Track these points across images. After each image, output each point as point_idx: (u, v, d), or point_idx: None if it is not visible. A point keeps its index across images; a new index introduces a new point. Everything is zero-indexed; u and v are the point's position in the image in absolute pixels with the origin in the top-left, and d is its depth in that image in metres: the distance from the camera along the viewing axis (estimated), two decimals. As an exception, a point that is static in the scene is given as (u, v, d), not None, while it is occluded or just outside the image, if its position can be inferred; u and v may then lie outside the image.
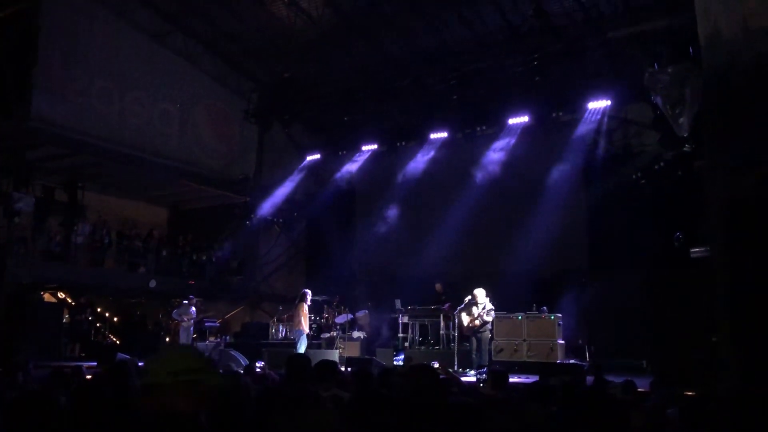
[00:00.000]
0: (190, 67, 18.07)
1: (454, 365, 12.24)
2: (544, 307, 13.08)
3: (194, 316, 15.63)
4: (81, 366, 6.14)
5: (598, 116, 14.97)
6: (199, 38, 17.85)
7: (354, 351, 14.29)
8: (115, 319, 18.92)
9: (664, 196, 13.20)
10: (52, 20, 15.28)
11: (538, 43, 14.34)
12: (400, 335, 14.49)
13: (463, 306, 12.50)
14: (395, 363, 12.78)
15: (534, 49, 14.35)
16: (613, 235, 14.59)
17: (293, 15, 15.73)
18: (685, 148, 11.05)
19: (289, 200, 19.49)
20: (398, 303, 15.01)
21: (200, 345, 15.03)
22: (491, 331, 12.54)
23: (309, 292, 13.65)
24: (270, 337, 16.19)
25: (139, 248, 17.74)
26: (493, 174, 16.48)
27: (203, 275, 18.70)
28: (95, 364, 11.76)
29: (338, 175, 19.42)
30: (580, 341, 13.78)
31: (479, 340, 12.30)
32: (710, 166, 9.23)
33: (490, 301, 12.41)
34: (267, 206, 19.02)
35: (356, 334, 15.36)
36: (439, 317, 13.79)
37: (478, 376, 10.43)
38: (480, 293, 12.37)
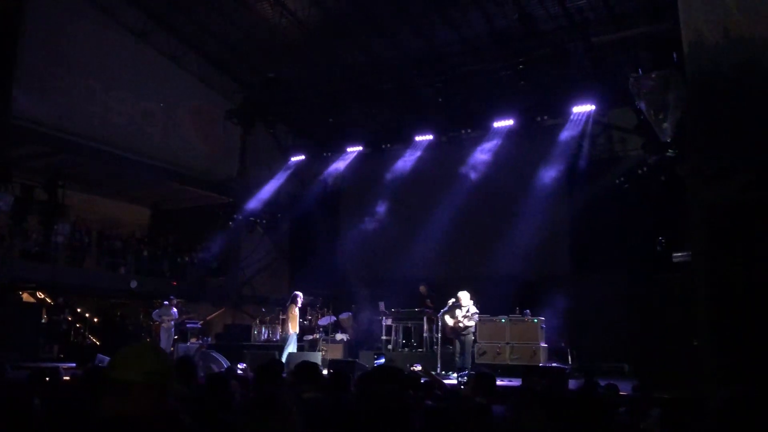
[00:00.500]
0: (174, 67, 17.94)
1: (437, 368, 12.23)
2: (528, 311, 13.11)
3: (175, 317, 15.49)
4: (58, 367, 6.02)
5: (583, 121, 15.05)
6: (184, 37, 17.73)
7: (337, 353, 14.24)
8: (95, 319, 18.71)
9: (647, 201, 13.30)
10: (36, 17, 15.10)
11: (523, 47, 14.41)
12: (384, 337, 14.45)
13: (447, 309, 12.50)
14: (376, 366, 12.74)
15: (519, 53, 14.41)
16: (597, 239, 14.67)
17: (279, 15, 15.66)
18: (668, 153, 11.14)
19: (273, 202, 19.39)
20: (382, 305, 14.97)
21: (181, 346, 14.90)
22: (474, 333, 12.56)
23: (300, 294, 13.89)
24: (252, 339, 16.08)
25: (120, 248, 17.56)
26: (477, 177, 16.55)
27: (185, 276, 18.55)
28: (74, 365, 11.63)
29: (323, 176, 19.37)
30: (563, 345, 13.84)
31: (462, 343, 12.30)
32: (692, 172, 9.29)
33: (474, 304, 12.42)
34: (250, 207, 18.90)
35: (339, 336, 15.30)
36: (423, 320, 13.77)
37: (459, 378, 10.43)
38: (464, 296, 12.38)
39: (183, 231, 19.60)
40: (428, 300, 14.34)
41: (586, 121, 15.05)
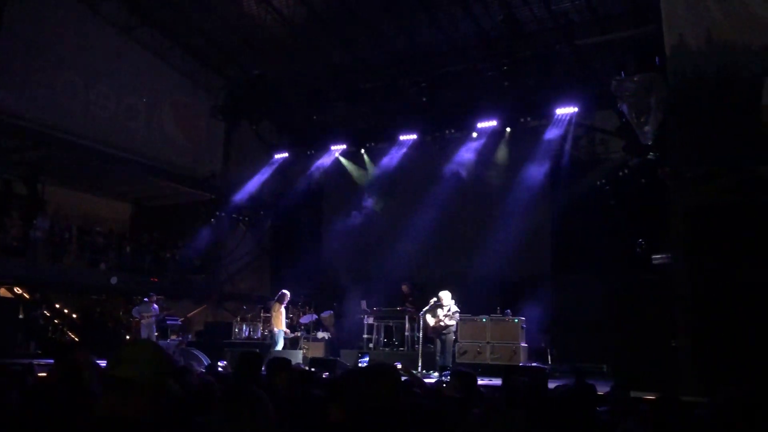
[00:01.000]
0: (158, 62, 17.76)
1: (417, 367, 12.25)
2: (508, 310, 13.18)
3: (156, 313, 15.35)
4: (32, 363, 5.93)
5: (566, 122, 15.13)
6: (168, 32, 17.56)
7: (318, 352, 14.21)
8: (74, 316, 18.51)
9: (628, 203, 13.40)
10: (16, 9, 14.87)
11: (508, 48, 14.47)
12: (365, 336, 14.44)
13: (428, 308, 12.52)
14: (360, 366, 12.74)
15: (504, 55, 14.47)
16: (578, 240, 14.76)
17: (264, 12, 15.59)
18: (649, 156, 11.23)
19: (256, 199, 19.30)
20: (364, 304, 14.97)
21: (162, 343, 14.78)
22: (455, 333, 12.59)
23: (287, 293, 13.95)
24: (233, 336, 16.00)
25: (101, 244, 17.38)
26: (461, 177, 16.62)
27: (166, 273, 18.40)
28: (52, 361, 11.48)
29: (306, 174, 19.32)
30: (543, 345, 13.93)
31: (443, 342, 12.32)
32: (673, 175, 9.41)
33: (455, 304, 12.45)
34: (233, 204, 18.81)
35: (321, 334, 15.27)
36: (405, 318, 13.78)
37: (440, 378, 10.45)
38: (445, 295, 12.40)
39: (165, 227, 19.44)
40: (410, 299, 14.36)
41: (569, 123, 15.13)
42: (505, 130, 16.12)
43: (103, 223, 18.22)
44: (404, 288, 14.83)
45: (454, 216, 16.61)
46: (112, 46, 16.84)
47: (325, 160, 18.82)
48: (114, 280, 16.63)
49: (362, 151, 18.25)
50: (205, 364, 11.24)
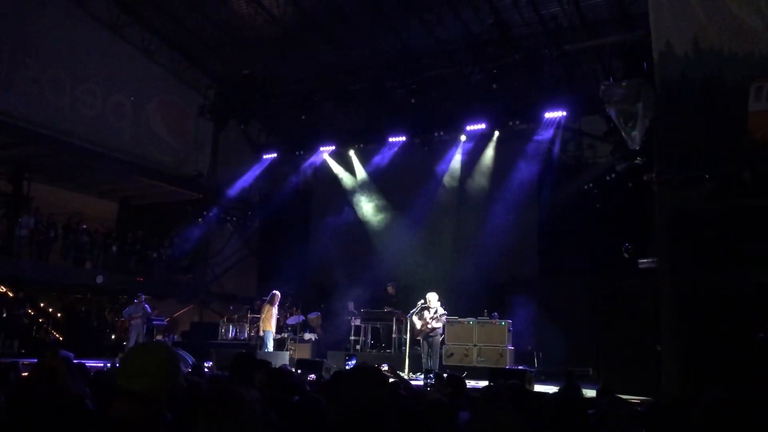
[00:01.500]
0: (146, 60, 17.69)
1: (404, 369, 12.25)
2: (495, 313, 13.22)
3: (149, 312, 15.19)
4: (17, 362, 5.88)
5: (554, 126, 15.19)
6: (157, 31, 17.49)
7: (305, 353, 14.18)
8: (59, 315, 18.35)
9: (615, 207, 13.48)
10: (2, 3, 14.76)
11: (497, 52, 14.49)
12: (352, 338, 14.43)
13: (415, 310, 12.52)
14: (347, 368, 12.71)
15: (493, 58, 14.49)
16: (564, 244, 14.83)
17: (254, 12, 15.56)
18: (636, 161, 11.29)
19: (244, 199, 19.24)
20: (351, 305, 14.94)
21: (147, 344, 14.69)
22: (442, 335, 12.60)
23: (278, 294, 13.98)
24: (219, 337, 15.94)
25: (86, 243, 17.23)
26: (449, 179, 16.66)
27: (152, 272, 18.29)
28: (36, 360, 11.38)
29: (295, 175, 19.27)
30: (529, 348, 13.97)
31: (430, 345, 12.34)
32: (659, 180, 9.47)
33: (442, 306, 12.47)
34: (221, 204, 18.72)
35: (308, 336, 15.24)
36: (392, 320, 13.78)
37: (426, 380, 10.45)
38: (433, 296, 12.42)
39: (151, 227, 19.31)
40: (394, 300, 14.32)
41: (557, 127, 15.19)
42: (494, 133, 16.17)
43: (89, 222, 18.06)
44: (389, 289, 14.80)
45: (442, 217, 16.65)
46: (100, 43, 16.76)
47: (313, 161, 18.77)
48: (100, 279, 16.51)
49: (351, 152, 18.22)
50: (191, 364, 11.17)
